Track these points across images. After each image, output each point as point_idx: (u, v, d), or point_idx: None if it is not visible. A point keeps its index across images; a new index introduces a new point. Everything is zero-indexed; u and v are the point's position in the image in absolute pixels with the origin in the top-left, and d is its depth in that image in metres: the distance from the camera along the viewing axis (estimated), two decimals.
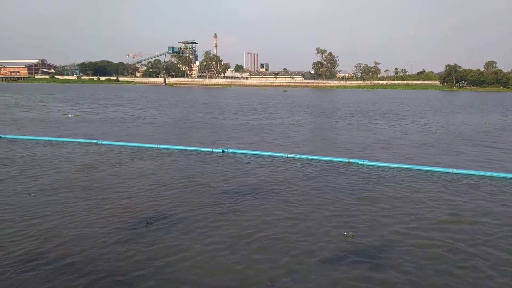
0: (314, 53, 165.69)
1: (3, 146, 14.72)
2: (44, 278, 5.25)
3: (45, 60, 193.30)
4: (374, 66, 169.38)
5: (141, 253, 6.00)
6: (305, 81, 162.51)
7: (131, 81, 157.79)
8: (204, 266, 5.65)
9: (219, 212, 7.82)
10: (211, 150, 14.38)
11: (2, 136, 16.72)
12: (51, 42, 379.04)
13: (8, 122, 23.01)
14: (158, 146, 15.21)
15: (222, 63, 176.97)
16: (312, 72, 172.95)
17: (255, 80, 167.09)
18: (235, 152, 14.22)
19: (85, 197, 8.69)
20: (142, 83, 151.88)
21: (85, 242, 6.35)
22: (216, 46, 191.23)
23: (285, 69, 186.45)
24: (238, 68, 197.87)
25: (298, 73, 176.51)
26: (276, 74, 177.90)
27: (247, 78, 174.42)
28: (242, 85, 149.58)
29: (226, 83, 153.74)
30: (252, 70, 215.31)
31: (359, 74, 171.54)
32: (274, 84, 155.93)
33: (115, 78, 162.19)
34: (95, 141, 15.93)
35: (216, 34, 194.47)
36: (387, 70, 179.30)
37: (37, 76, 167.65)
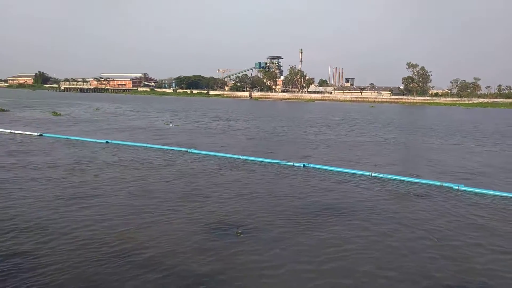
0: (405, 67, 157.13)
1: (111, 150, 16.86)
2: (126, 276, 5.78)
3: (147, 74, 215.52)
4: (474, 82, 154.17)
5: (224, 259, 6.35)
6: (393, 96, 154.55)
7: (219, 95, 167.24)
8: (283, 277, 5.79)
9: (299, 227, 7.92)
10: (291, 164, 14.58)
11: (109, 141, 19.18)
12: (153, 58, 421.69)
13: (118, 129, 26.26)
14: (242, 157, 15.82)
15: (306, 77, 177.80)
16: (401, 87, 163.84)
17: (339, 95, 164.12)
18: (316, 168, 14.22)
19: (176, 201, 9.53)
20: (229, 97, 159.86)
21: (174, 245, 6.89)
22: (301, 61, 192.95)
23: (371, 84, 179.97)
24: (322, 83, 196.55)
25: (385, 88, 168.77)
26: (361, 89, 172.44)
27: (331, 93, 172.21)
28: (326, 100, 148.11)
29: (309, 97, 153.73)
30: (337, 85, 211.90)
31: (455, 91, 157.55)
32: (359, 99, 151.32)
33: (205, 91, 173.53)
34: (186, 149, 17.32)
35: (301, 49, 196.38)
36: (489, 86, 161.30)
37: (139, 89, 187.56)
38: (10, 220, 7.75)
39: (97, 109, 48.63)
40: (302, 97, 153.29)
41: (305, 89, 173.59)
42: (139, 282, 5.55)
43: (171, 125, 30.02)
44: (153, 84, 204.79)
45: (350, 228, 7.93)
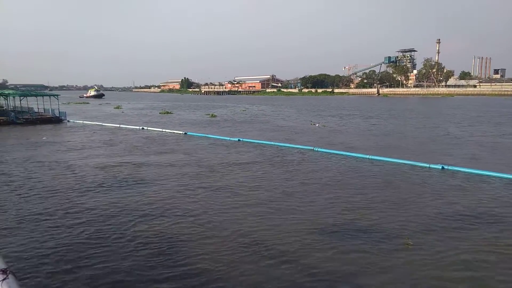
0: None
1: (244, 147, 19.45)
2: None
3: (275, 75, 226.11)
4: None
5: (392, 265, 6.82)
6: None
7: (344, 92, 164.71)
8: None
9: (450, 238, 7.87)
10: (428, 165, 13.94)
11: (241, 139, 21.66)
12: (280, 60, 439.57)
13: (270, 129, 29.20)
14: (370, 157, 15.74)
15: (444, 70, 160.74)
16: None
17: (485, 88, 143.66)
18: (457, 170, 13.34)
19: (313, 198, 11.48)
20: (355, 94, 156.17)
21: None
22: (438, 53, 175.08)
23: None
24: (464, 76, 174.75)
25: None
26: None
27: (474, 86, 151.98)
28: (468, 94, 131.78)
29: (447, 92, 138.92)
30: (483, 77, 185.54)
31: None
32: None
33: (330, 90, 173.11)
34: (311, 148, 18.34)
35: (439, 40, 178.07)
36: None
37: (267, 90, 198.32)
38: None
39: (243, 110, 54.49)
40: (438, 92, 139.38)
41: (443, 83, 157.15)
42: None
43: (317, 125, 31.60)
44: (279, 85, 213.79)
45: (500, 241, 7.71)
